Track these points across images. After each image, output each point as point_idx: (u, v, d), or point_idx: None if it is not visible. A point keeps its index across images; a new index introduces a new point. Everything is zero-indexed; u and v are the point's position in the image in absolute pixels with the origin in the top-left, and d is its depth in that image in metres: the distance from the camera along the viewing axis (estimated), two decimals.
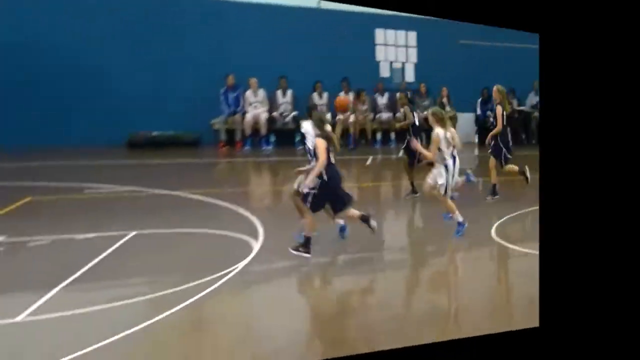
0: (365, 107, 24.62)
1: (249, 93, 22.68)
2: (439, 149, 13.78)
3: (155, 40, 22.22)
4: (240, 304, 10.88)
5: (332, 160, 12.62)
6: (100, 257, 12.24)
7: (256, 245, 12.85)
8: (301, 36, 23.98)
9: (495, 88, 16.91)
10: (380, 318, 10.50)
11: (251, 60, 22.88)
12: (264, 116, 22.69)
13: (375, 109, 25.19)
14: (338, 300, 11.35)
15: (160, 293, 10.74)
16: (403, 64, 26.38)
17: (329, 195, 12.60)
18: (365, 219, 13.22)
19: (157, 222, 13.94)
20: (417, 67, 26.34)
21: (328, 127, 12.82)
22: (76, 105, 21.44)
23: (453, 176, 14.16)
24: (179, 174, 18.47)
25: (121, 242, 12.87)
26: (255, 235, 13.41)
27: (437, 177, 13.90)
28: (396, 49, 26.21)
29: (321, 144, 12.44)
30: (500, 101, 16.72)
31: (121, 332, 9.55)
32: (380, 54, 26.02)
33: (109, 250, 12.46)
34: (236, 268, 11.73)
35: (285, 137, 23.25)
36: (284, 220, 14.27)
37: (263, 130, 22.75)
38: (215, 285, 11.06)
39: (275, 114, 23.17)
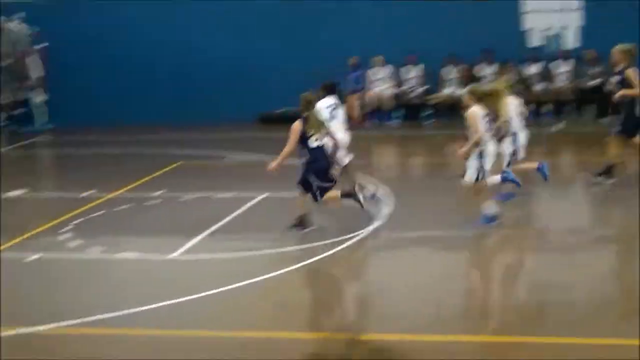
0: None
1: (373, 70, 23.58)
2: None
3: (289, 25, 23.82)
4: (364, 267, 12.26)
5: (314, 144, 12.91)
6: (237, 212, 14.37)
7: (383, 213, 13.92)
8: (434, 7, 23.45)
9: (616, 49, 14.76)
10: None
11: (378, 35, 23.55)
12: (388, 92, 23.57)
13: (525, 80, 22.96)
14: (453, 275, 11.87)
15: (286, 249, 12.51)
16: (560, 30, 23.95)
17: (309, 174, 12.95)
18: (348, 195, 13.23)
19: (285, 187, 15.73)
20: (584, 31, 23.70)
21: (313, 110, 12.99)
22: (221, 88, 23.53)
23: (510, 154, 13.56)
24: None
25: (254, 201, 14.91)
26: (381, 204, 14.45)
27: (468, 169, 12.87)
28: (550, 14, 23.85)
29: (294, 126, 12.92)
30: (628, 62, 14.62)
31: (250, 278, 11.33)
32: (530, 21, 23.87)
33: (244, 208, 14.54)
34: (361, 233, 12.87)
35: (413, 111, 23.77)
36: (409, 191, 15.31)
37: (388, 106, 23.60)
38: (340, 247, 12.25)
39: (402, 89, 23.75)
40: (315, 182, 12.99)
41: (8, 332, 9.78)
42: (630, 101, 14.60)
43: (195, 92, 23.88)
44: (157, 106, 23.51)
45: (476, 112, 12.56)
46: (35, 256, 12.66)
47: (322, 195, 13.00)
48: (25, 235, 13.62)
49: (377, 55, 23.45)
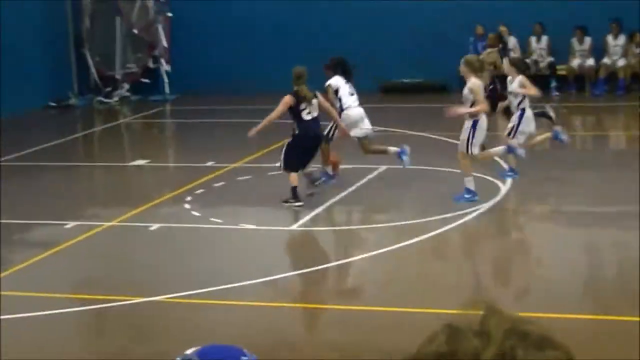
0: (639, 50, 22.48)
1: None
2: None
3: None
4: (483, 240, 12.31)
5: (306, 117, 13.25)
6: (358, 184, 14.36)
7: (504, 188, 13.89)
8: None
9: None
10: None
11: (502, 7, 23.30)
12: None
13: None
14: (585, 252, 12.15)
15: (406, 222, 12.49)
16: None
17: (297, 151, 13.26)
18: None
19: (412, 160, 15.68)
20: None
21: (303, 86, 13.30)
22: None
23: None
24: (427, 117, 20.02)
25: (374, 173, 14.86)
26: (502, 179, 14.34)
27: (462, 133, 13.31)
28: None
29: (284, 98, 13.33)
30: None
31: (371, 251, 11.38)
32: None
33: (364, 180, 14.50)
34: (481, 208, 12.83)
35: (540, 83, 23.30)
36: (532, 164, 14.76)
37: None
38: (461, 221, 12.25)
39: (528, 60, 23.46)
40: (282, 155, 13.35)
41: (132, 301, 10.00)
42: None
43: (317, 59, 23.83)
44: (279, 74, 23.57)
45: (479, 83, 12.94)
46: (158, 225, 12.91)
47: (286, 167, 13.33)
48: (149, 204, 13.88)
49: (502, 24, 23.09)
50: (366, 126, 14.38)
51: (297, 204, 13.18)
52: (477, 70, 13.11)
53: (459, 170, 13.51)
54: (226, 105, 22.32)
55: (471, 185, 13.06)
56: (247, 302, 9.74)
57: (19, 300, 10.20)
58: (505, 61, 15.48)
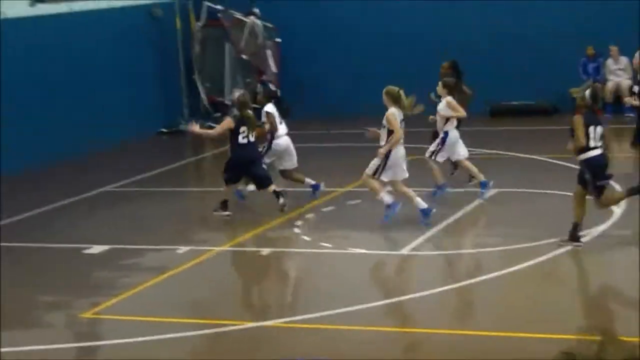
0: None
1: (609, 61, 22.88)
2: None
3: (509, 13, 23.41)
4: (596, 265, 12.01)
5: (242, 140, 14.22)
6: (466, 208, 14.24)
7: (617, 211, 13.55)
8: None
9: None
10: None
11: (613, 27, 22.93)
12: (625, 83, 22.88)
13: None
14: None
15: (517, 246, 12.33)
16: None
17: (233, 169, 14.46)
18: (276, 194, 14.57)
19: (514, 182, 15.52)
20: None
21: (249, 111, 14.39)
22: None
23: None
24: (536, 139, 19.76)
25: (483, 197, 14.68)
26: None
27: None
28: None
29: (226, 121, 14.52)
30: None
31: (481, 275, 11.25)
32: None
33: (474, 204, 14.36)
34: (594, 230, 12.59)
35: None
36: None
37: (625, 97, 22.74)
38: (572, 246, 11.95)
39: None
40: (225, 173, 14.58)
41: (243, 325, 10.06)
42: None
43: (420, 83, 23.78)
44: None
45: (394, 112, 13.31)
46: (269, 250, 12.99)
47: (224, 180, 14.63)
48: (260, 229, 13.99)
49: (611, 44, 22.73)
50: (294, 158, 15.42)
51: (224, 213, 14.38)
52: (396, 100, 13.39)
53: (570, 193, 13.29)
54: (335, 129, 22.39)
55: (388, 200, 13.53)
56: (357, 327, 9.71)
57: (132, 325, 10.37)
58: (440, 83, 15.39)
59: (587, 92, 12.22)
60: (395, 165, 13.44)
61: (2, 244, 13.83)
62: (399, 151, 13.47)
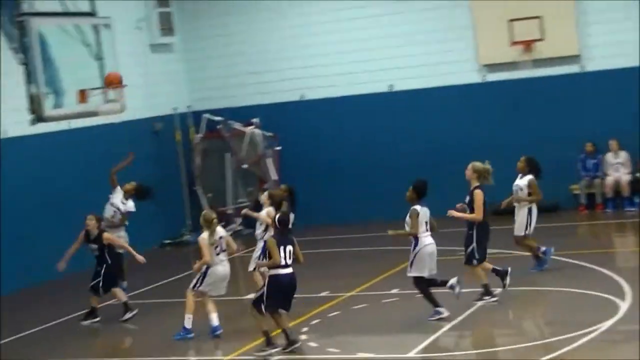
0: None
1: (609, 155, 22.85)
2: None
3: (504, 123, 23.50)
4: None
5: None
6: (474, 307, 14.16)
7: (623, 305, 13.51)
8: None
9: None
10: None
11: (610, 122, 23.00)
12: (625, 178, 22.82)
13: None
14: None
15: (525, 344, 12.20)
16: None
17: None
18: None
19: (518, 280, 15.41)
20: None
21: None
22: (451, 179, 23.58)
23: None
24: (539, 236, 19.63)
25: (488, 298, 14.58)
26: (620, 295, 14.07)
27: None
28: None
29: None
30: None
31: None
32: None
33: (481, 303, 14.27)
34: (601, 327, 12.47)
35: None
36: None
37: (626, 192, 22.78)
38: (580, 342, 11.90)
39: (639, 175, 22.85)
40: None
41: None
42: None
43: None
44: (391, 201, 23.73)
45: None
46: (277, 358, 12.90)
47: None
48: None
49: (611, 138, 22.82)
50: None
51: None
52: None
53: (567, 289, 13.29)
54: (336, 235, 22.43)
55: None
56: None
57: None
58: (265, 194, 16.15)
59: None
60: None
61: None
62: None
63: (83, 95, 16.38)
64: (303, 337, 13.62)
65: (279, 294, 12.73)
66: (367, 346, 12.93)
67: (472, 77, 23.61)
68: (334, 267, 18.98)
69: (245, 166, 24.63)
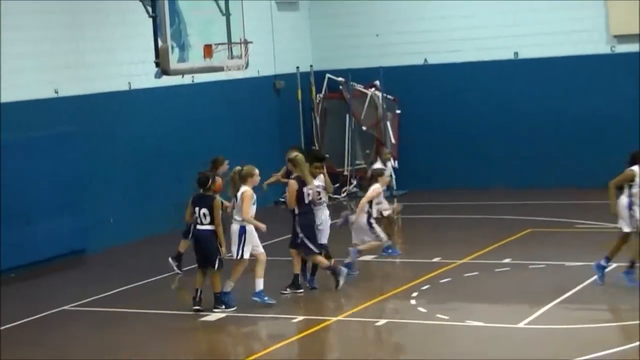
0: None
1: None
2: None
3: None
4: None
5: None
6: (586, 282, 13.95)
7: None
8: None
9: None
10: None
11: None
12: None
13: None
14: None
15: (636, 322, 11.95)
16: None
17: None
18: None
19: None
20: None
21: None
22: (571, 149, 23.08)
23: None
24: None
25: (605, 271, 14.33)
26: None
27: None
28: None
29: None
30: None
31: (597, 351, 10.94)
32: None
33: (593, 278, 14.04)
34: None
35: None
36: None
37: None
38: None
39: None
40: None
41: None
42: None
43: (543, 152, 23.54)
44: (504, 168, 23.51)
45: (247, 191, 13.65)
46: (385, 321, 12.95)
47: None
48: (376, 300, 13.96)
49: None
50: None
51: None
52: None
53: None
54: (452, 201, 22.31)
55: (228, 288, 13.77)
56: None
57: None
58: None
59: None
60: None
61: (122, 309, 14.15)
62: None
63: (209, 50, 16.61)
64: (413, 302, 13.63)
65: None
66: (476, 314, 12.86)
67: (601, 47, 23.07)
68: (449, 233, 18.88)
69: (364, 128, 24.62)
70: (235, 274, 13.75)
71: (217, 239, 13.60)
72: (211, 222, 13.61)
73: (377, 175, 15.66)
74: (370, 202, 15.34)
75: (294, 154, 14.86)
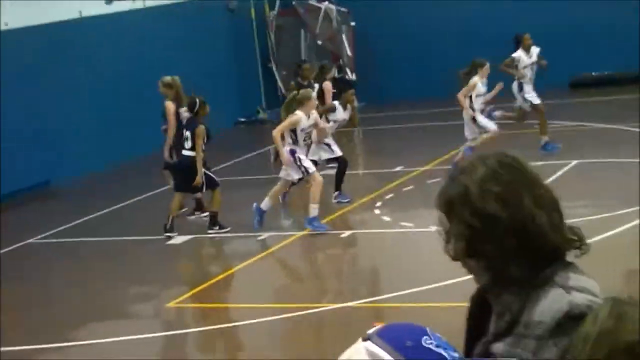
0: None
1: None
2: None
3: None
4: None
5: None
6: (549, 180, 14.00)
7: None
8: None
9: None
10: None
11: None
12: None
13: None
14: None
15: (598, 216, 12.14)
16: None
17: None
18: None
19: (597, 153, 15.31)
20: None
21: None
22: None
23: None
24: (620, 109, 19.39)
25: (565, 169, 14.53)
26: None
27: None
28: None
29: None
30: None
31: None
32: None
33: (555, 176, 14.20)
34: None
35: None
36: None
37: None
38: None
39: None
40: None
41: (325, 308, 10.12)
42: None
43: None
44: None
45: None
46: (349, 232, 13.06)
47: None
48: (340, 212, 14.03)
49: None
50: None
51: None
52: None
53: None
54: (411, 111, 22.33)
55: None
56: (442, 304, 9.69)
57: (220, 312, 10.51)
58: None
59: None
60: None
61: (88, 238, 14.14)
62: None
63: None
64: (377, 212, 13.73)
65: None
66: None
67: None
68: (410, 143, 18.91)
69: (320, 42, 24.53)
70: (314, 195, 12.93)
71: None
72: (192, 148, 13.37)
73: (477, 66, 15.20)
74: (470, 97, 15.17)
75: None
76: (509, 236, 2.54)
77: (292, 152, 12.96)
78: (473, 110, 15.10)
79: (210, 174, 13.56)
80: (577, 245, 2.68)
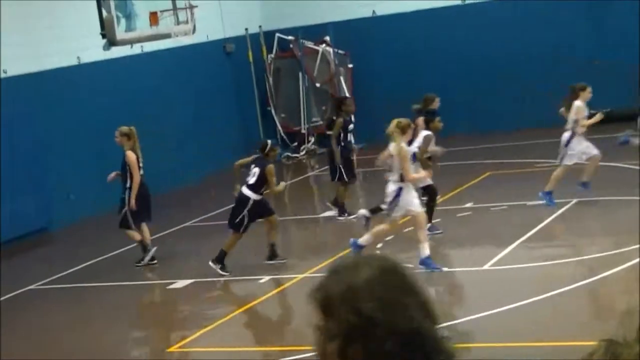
0: None
1: None
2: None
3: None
4: None
5: None
6: (547, 220, 14.09)
7: None
8: None
9: None
10: None
11: None
12: None
13: None
14: None
15: (599, 255, 12.12)
16: None
17: None
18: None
19: (597, 191, 15.28)
20: None
21: None
22: (527, 90, 23.17)
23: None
24: (618, 146, 19.28)
25: (564, 208, 14.52)
26: None
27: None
28: None
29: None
30: None
31: (563, 287, 11.10)
32: None
33: (554, 215, 14.22)
34: None
35: None
36: None
37: None
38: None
39: None
40: None
41: None
42: None
43: (495, 96, 23.64)
44: (461, 115, 23.59)
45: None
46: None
47: None
48: (341, 253, 13.97)
49: None
50: None
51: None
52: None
53: None
54: None
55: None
56: None
57: (223, 356, 10.47)
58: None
59: None
60: None
61: (88, 283, 14.11)
62: None
63: (154, 17, 16.54)
64: (378, 252, 13.68)
65: None
66: (441, 260, 12.94)
67: None
68: None
69: (318, 85, 24.62)
70: (376, 233, 12.91)
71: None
72: (253, 186, 13.76)
73: (579, 90, 15.07)
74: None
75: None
76: (388, 342, 2.40)
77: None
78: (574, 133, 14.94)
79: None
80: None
